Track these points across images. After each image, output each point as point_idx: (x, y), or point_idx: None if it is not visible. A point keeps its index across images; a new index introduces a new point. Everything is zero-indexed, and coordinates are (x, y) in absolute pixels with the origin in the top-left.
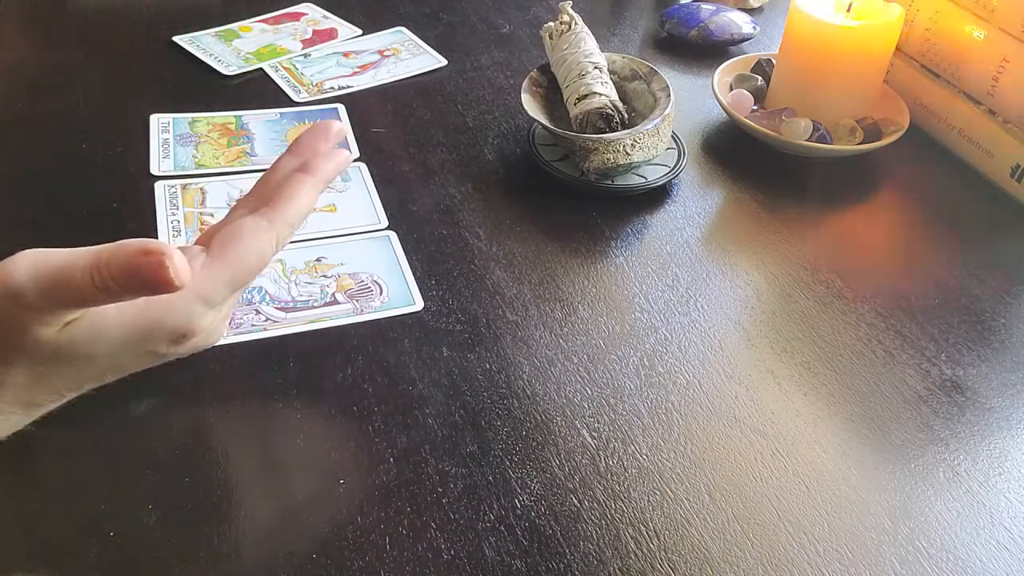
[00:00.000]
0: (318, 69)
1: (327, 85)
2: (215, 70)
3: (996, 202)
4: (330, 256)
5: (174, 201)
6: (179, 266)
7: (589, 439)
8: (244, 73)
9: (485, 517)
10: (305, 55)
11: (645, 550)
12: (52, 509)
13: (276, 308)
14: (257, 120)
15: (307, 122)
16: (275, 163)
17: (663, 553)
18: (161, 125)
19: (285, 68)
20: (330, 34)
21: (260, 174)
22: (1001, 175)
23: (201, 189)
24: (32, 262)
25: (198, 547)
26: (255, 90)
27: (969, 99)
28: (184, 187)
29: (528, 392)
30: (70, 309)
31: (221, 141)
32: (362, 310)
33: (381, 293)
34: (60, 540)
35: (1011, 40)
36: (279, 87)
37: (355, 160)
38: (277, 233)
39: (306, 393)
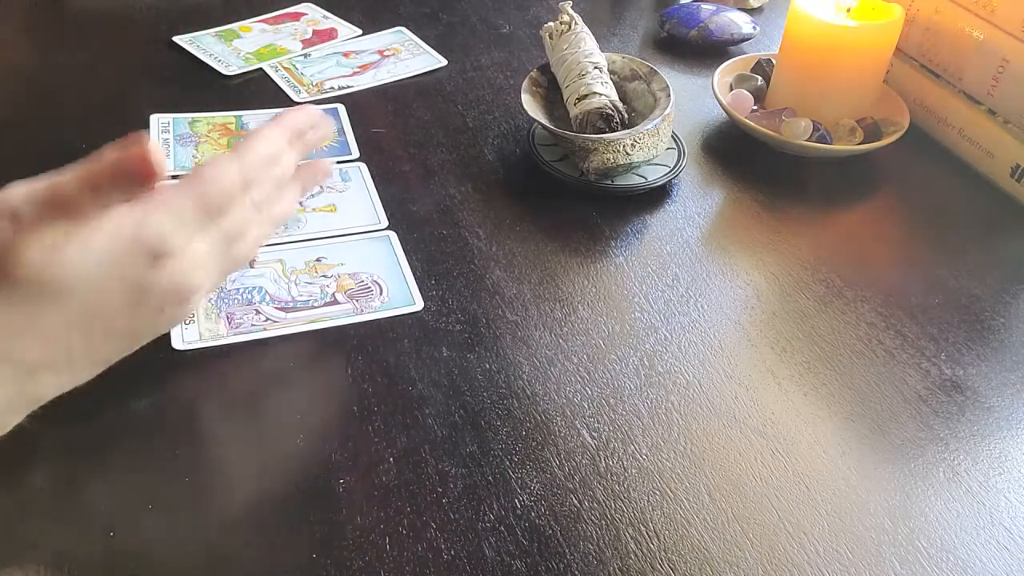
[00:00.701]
0: (318, 69)
1: (327, 85)
2: (215, 70)
3: (996, 202)
4: (330, 256)
5: None
6: (155, 146)
7: (589, 439)
8: (244, 73)
9: (485, 517)
10: (305, 55)
11: (645, 550)
12: (52, 509)
13: (276, 308)
14: (257, 120)
15: None
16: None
17: (663, 553)
18: (161, 125)
19: (285, 68)
20: (330, 34)
21: None
22: (1001, 175)
23: None
24: (25, 183)
25: (199, 547)
26: (255, 90)
27: (969, 99)
28: None
29: (528, 392)
30: (62, 220)
31: (221, 141)
32: (362, 310)
33: (381, 293)
34: (60, 540)
35: (1011, 40)
36: (279, 87)
37: (355, 160)
38: (240, 158)
39: (306, 393)
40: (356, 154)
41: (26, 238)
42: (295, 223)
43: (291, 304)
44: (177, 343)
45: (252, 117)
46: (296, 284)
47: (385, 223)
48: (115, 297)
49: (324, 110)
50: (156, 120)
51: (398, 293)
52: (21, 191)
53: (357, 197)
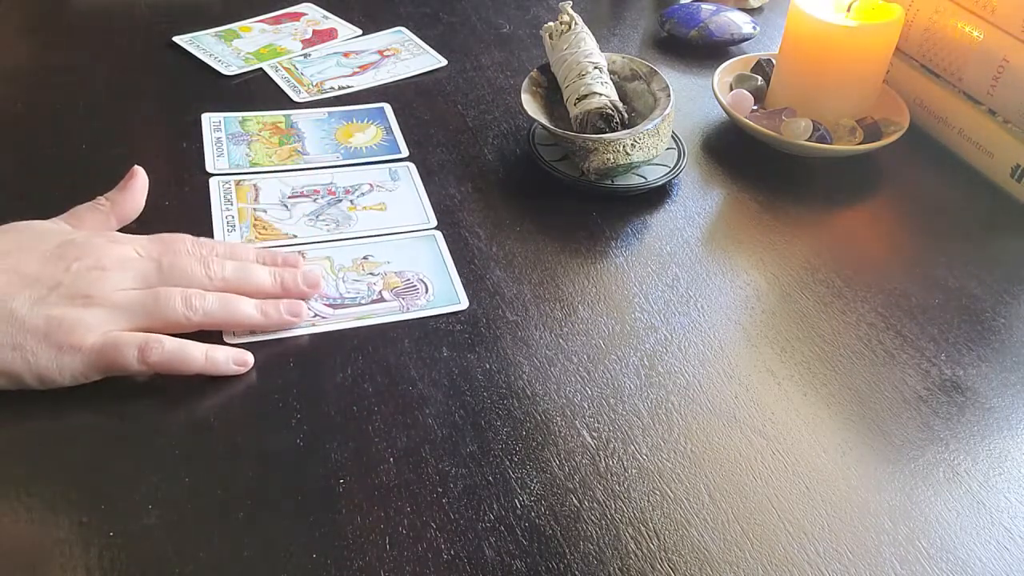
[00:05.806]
0: (318, 69)
1: (327, 85)
2: (215, 70)
3: (996, 202)
4: (377, 254)
5: (229, 197)
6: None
7: (589, 439)
8: (244, 73)
9: (485, 517)
10: (305, 55)
11: (645, 550)
12: (52, 509)
13: (325, 304)
14: (305, 119)
15: (355, 121)
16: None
17: (663, 553)
18: (212, 124)
19: (285, 68)
20: (330, 34)
21: (311, 171)
22: (1001, 175)
23: (255, 185)
24: None
25: (198, 547)
26: (255, 90)
27: (969, 99)
28: (238, 183)
29: (528, 392)
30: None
31: (272, 140)
32: (408, 308)
33: (427, 291)
34: (60, 540)
35: (1011, 40)
36: (279, 87)
37: (404, 159)
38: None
39: (306, 393)
40: (405, 152)
41: None
42: (346, 220)
43: (339, 300)
44: (228, 336)
45: (300, 116)
46: (344, 281)
47: (434, 222)
48: (36, 252)
49: (370, 108)
50: (207, 119)
51: (443, 291)
52: None
53: (406, 196)
